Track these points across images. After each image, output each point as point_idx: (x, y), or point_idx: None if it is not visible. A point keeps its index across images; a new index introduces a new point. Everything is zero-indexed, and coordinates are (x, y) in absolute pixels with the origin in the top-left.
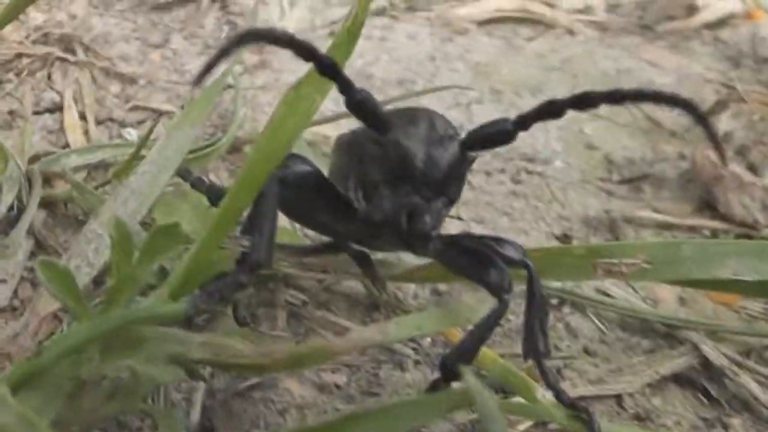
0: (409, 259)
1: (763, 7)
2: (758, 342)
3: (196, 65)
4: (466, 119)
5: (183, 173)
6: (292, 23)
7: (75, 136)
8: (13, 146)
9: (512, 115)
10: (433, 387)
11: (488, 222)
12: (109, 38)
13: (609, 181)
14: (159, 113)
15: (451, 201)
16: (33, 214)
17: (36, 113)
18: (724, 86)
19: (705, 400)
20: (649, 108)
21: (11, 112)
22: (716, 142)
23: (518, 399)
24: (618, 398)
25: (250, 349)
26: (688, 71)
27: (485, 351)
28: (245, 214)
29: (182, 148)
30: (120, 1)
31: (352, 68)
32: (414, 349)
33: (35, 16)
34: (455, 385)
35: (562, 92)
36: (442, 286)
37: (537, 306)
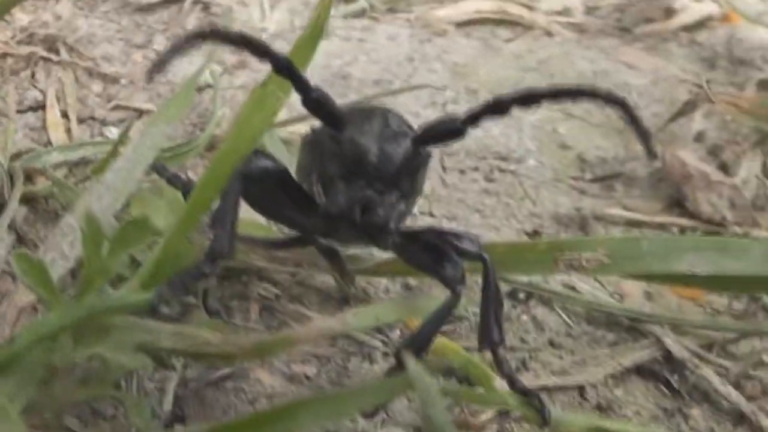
0: (380, 255)
1: (738, 11)
2: (721, 336)
3: (177, 66)
4: None
5: (159, 169)
6: (272, 24)
7: (57, 134)
8: None
9: None
10: (391, 373)
11: (460, 219)
12: (93, 39)
13: (581, 180)
14: (140, 112)
15: (406, 195)
16: (14, 210)
17: (19, 111)
18: (698, 87)
19: (666, 391)
20: None
21: None
22: (646, 139)
23: (481, 389)
24: (581, 389)
25: (218, 339)
26: (664, 72)
27: (449, 343)
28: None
29: (156, 144)
30: (105, 2)
31: (329, 69)
32: (382, 341)
33: (21, 17)
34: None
35: None
36: (412, 281)
37: (492, 297)
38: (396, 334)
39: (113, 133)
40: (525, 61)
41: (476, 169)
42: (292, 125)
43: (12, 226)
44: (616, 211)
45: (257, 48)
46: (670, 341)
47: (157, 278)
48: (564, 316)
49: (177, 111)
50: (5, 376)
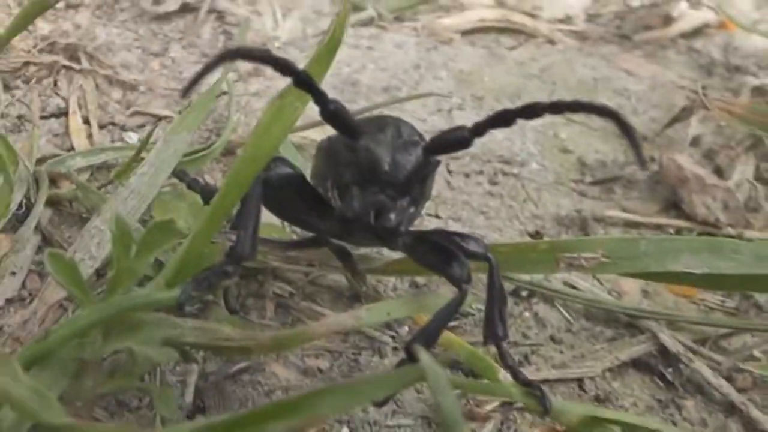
0: (389, 254)
1: (734, 19)
2: (714, 331)
3: (193, 73)
4: (448, 125)
5: (179, 174)
6: (284, 33)
7: (79, 140)
8: (21, 149)
9: None
10: (400, 367)
11: (465, 220)
12: (112, 47)
13: (581, 183)
14: (158, 118)
15: (416, 200)
16: (40, 212)
17: (43, 118)
18: (695, 93)
19: (661, 384)
20: None
21: (20, 117)
22: (637, 149)
23: (486, 381)
24: (580, 381)
25: (237, 334)
26: (662, 79)
27: (456, 338)
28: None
29: (179, 151)
30: (122, 12)
31: (339, 76)
32: (392, 336)
33: (42, 26)
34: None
35: (540, 99)
36: (420, 279)
37: (497, 295)
38: (405, 330)
39: (132, 138)
40: (528, 68)
41: (481, 172)
42: (303, 131)
43: (38, 228)
44: (615, 213)
45: (280, 65)
46: (666, 336)
47: (180, 277)
48: (564, 312)
49: (196, 118)
50: (41, 369)
